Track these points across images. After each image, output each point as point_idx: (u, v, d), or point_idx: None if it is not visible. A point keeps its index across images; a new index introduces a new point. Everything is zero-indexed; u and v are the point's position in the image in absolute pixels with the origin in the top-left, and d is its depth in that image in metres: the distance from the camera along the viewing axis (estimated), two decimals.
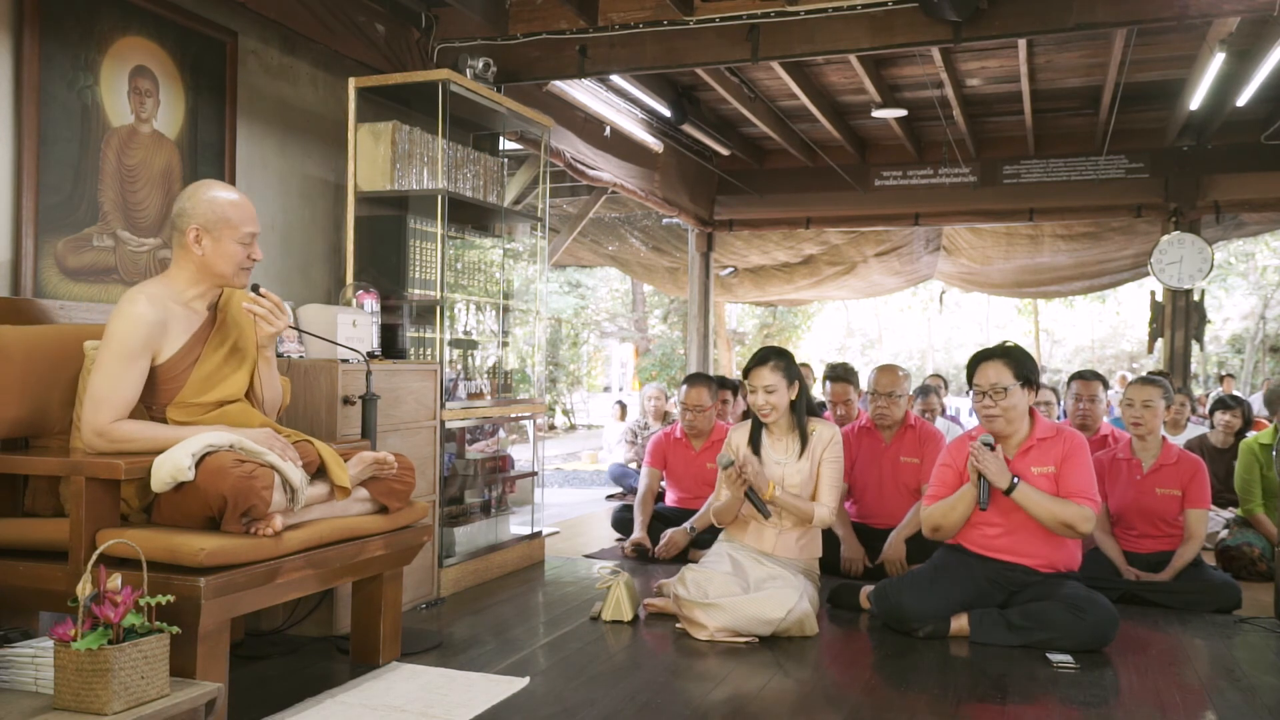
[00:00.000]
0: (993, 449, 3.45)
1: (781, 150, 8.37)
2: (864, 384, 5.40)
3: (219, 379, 2.76)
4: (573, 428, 20.23)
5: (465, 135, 4.82)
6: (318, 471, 2.75)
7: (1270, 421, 5.10)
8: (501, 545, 4.55)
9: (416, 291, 4.15)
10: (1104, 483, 4.10)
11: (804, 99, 6.52)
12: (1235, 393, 7.39)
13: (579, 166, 6.49)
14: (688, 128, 7.03)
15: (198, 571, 2.31)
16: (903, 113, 7.14)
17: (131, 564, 2.23)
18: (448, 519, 4.24)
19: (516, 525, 4.79)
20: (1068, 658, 3.22)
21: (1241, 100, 6.29)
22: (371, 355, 3.63)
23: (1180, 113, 6.92)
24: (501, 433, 5.00)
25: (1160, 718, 2.73)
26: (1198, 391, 13.51)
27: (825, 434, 3.71)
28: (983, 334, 25.75)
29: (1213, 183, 7.75)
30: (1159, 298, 8.03)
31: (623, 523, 5.42)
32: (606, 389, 22.73)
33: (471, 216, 4.63)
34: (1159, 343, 8.04)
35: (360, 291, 3.90)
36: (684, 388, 5.15)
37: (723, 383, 5.67)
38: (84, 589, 2.08)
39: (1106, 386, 4.92)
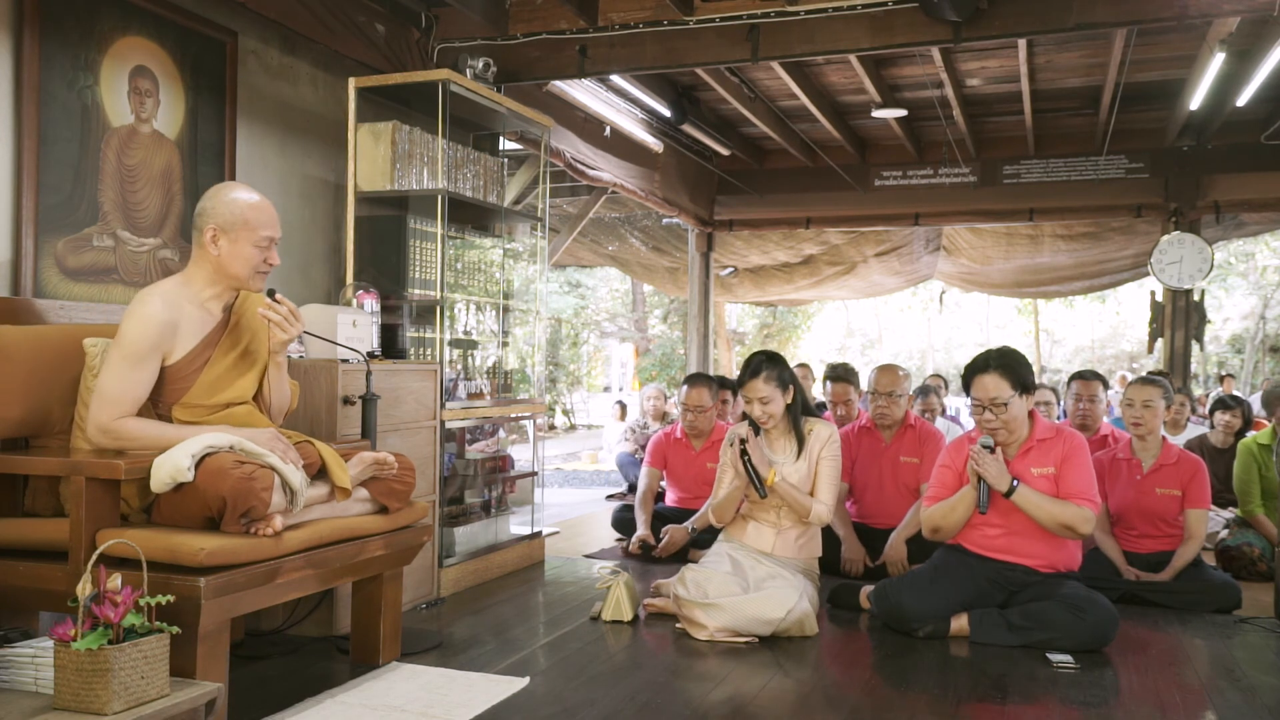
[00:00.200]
0: (992, 451, 3.45)
1: (781, 150, 8.37)
2: (864, 384, 5.40)
3: (227, 382, 2.76)
4: (573, 428, 20.23)
5: (465, 135, 4.82)
6: (319, 472, 2.74)
7: (1269, 422, 5.10)
8: (501, 545, 4.55)
9: (416, 291, 4.15)
10: (1104, 483, 4.10)
11: (804, 99, 6.52)
12: (1235, 393, 7.39)
13: (579, 166, 6.49)
14: (688, 128, 7.03)
15: (198, 571, 2.31)
16: (903, 113, 7.14)
17: (131, 564, 2.23)
18: (448, 519, 4.24)
19: (516, 525, 4.79)
20: (1068, 658, 3.22)
21: (1241, 100, 6.29)
22: (371, 355, 3.63)
23: (1180, 113, 6.93)
24: (501, 433, 5.00)
25: (1160, 718, 2.73)
26: (1198, 391, 13.51)
27: (823, 433, 3.71)
28: (983, 334, 25.76)
29: (1213, 183, 7.75)
30: (1159, 298, 8.03)
31: (623, 523, 5.42)
32: (606, 389, 22.73)
33: (471, 216, 4.63)
34: (1159, 343, 8.04)
35: (360, 291, 3.90)
36: (684, 388, 5.15)
37: (723, 383, 5.67)
38: (84, 589, 2.08)
39: (1106, 386, 4.92)
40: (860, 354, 26.45)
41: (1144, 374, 4.84)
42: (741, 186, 8.78)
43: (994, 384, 3.45)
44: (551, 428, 19.18)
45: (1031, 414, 3.55)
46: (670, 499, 5.28)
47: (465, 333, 4.52)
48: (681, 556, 4.71)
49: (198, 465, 2.41)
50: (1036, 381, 3.68)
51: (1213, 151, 7.66)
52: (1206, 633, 3.64)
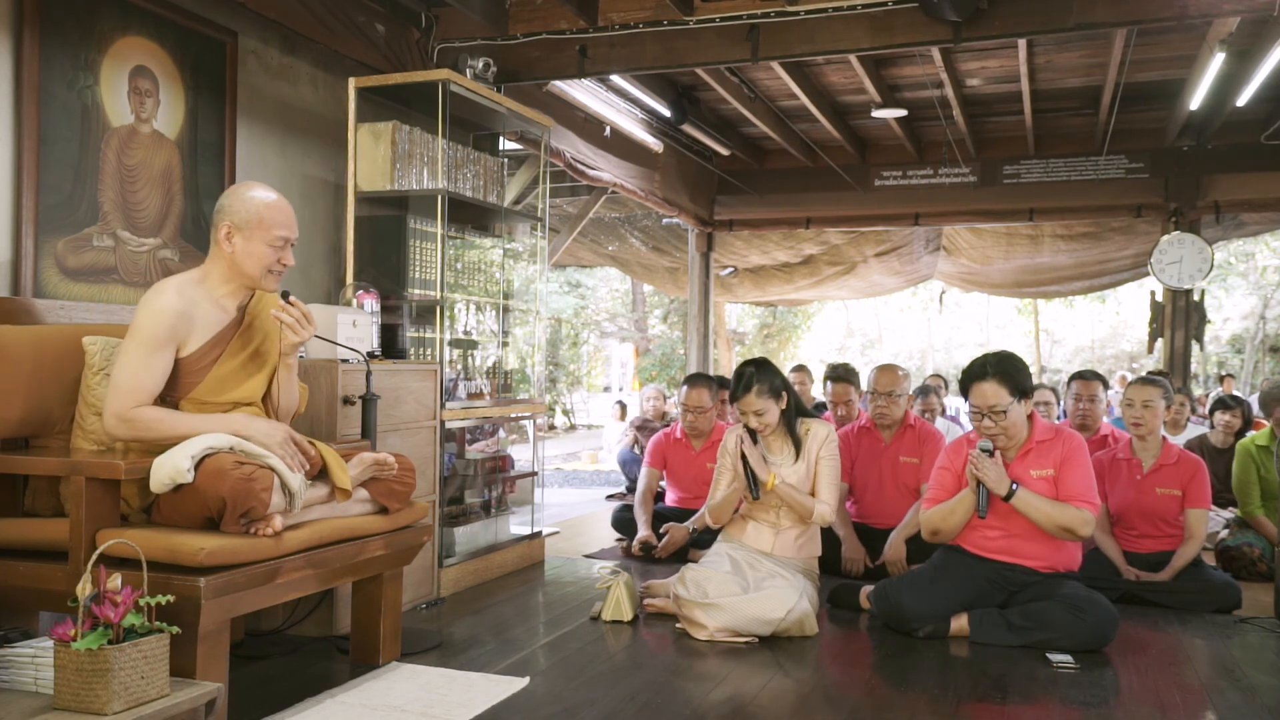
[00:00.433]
0: (991, 454, 3.45)
1: (781, 150, 8.37)
2: (864, 384, 5.40)
3: (237, 381, 2.76)
4: (573, 428, 20.24)
5: (465, 135, 4.82)
6: (319, 472, 2.74)
7: (1267, 422, 5.10)
8: (501, 545, 4.55)
9: (416, 291, 4.15)
10: (1104, 483, 4.10)
11: (804, 99, 6.52)
12: (1235, 393, 7.38)
13: (579, 166, 6.49)
14: (688, 128, 7.03)
15: (198, 571, 2.31)
16: (903, 113, 7.14)
17: (131, 564, 2.23)
18: (448, 519, 4.24)
19: (516, 525, 4.79)
20: (1068, 658, 3.22)
21: (1241, 100, 6.29)
22: (371, 355, 3.63)
23: (1180, 113, 6.92)
24: (501, 433, 5.00)
25: (1160, 718, 2.73)
26: (1198, 391, 13.51)
27: (820, 433, 3.71)
28: (983, 334, 25.77)
29: (1213, 183, 7.75)
30: (1159, 298, 8.03)
31: (623, 523, 5.41)
32: (606, 389, 22.74)
33: (471, 216, 4.63)
34: (1159, 343, 8.04)
35: (360, 291, 3.90)
36: (684, 389, 5.14)
37: (723, 383, 5.66)
38: (84, 589, 2.08)
39: (1106, 386, 4.92)
40: (860, 354, 26.45)
41: (1144, 374, 4.84)
42: (741, 186, 8.78)
43: (992, 391, 3.44)
44: (551, 428, 19.19)
45: (1031, 415, 3.55)
46: (670, 499, 5.28)
47: (465, 333, 4.52)
48: (681, 556, 4.71)
49: (197, 466, 2.41)
50: (1036, 381, 3.67)
51: (1213, 151, 7.66)
52: (1206, 633, 3.64)
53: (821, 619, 3.65)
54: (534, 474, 4.99)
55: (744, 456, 3.59)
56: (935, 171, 8.30)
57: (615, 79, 5.86)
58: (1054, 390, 5.86)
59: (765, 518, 3.69)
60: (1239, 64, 5.89)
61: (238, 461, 2.43)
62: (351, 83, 4.11)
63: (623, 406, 11.22)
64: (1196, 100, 6.22)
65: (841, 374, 5.33)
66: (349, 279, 4.08)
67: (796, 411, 3.74)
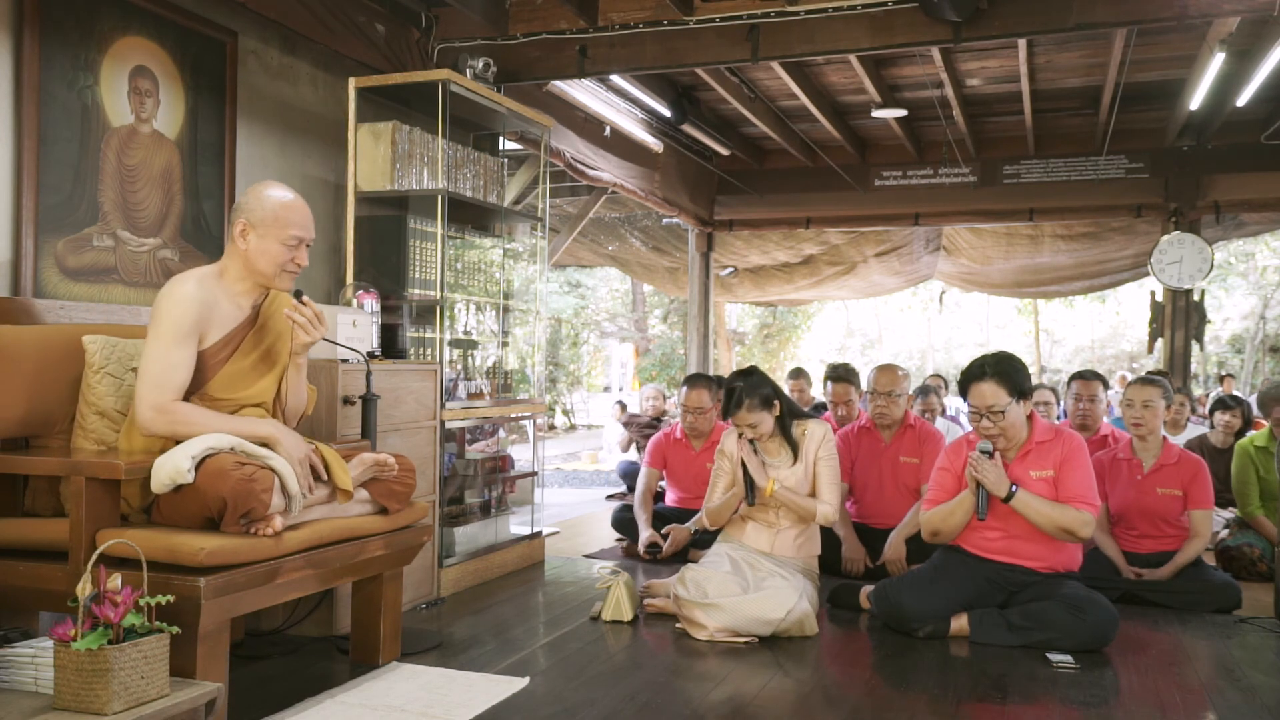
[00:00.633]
0: (991, 456, 3.45)
1: (781, 150, 8.37)
2: (864, 384, 5.40)
3: (248, 381, 2.76)
4: (573, 428, 20.23)
5: (465, 135, 4.82)
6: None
7: (1265, 422, 5.09)
8: (501, 545, 4.55)
9: (416, 291, 4.15)
10: (1104, 483, 4.10)
11: (804, 99, 6.52)
12: (1235, 393, 7.38)
13: (579, 166, 6.49)
14: (688, 128, 7.03)
15: (198, 571, 2.31)
16: (903, 113, 7.14)
17: (131, 564, 2.23)
18: (448, 519, 4.24)
19: (516, 525, 4.79)
20: (1068, 658, 3.22)
21: (1241, 100, 6.29)
22: (371, 355, 3.63)
23: (1180, 113, 6.92)
24: (501, 433, 5.00)
25: (1160, 718, 2.73)
26: (1198, 391, 13.51)
27: (816, 433, 3.71)
28: (983, 334, 25.77)
29: (1213, 183, 7.75)
30: (1159, 298, 8.03)
31: (623, 523, 5.41)
32: (606, 389, 22.74)
33: (471, 216, 4.63)
34: (1159, 343, 8.04)
35: (360, 291, 3.90)
36: (684, 389, 5.14)
37: (722, 383, 5.66)
38: (84, 589, 2.08)
39: (1106, 386, 4.92)
40: (860, 354, 26.45)
41: (1144, 374, 4.83)
42: (741, 186, 8.78)
43: (991, 392, 3.44)
44: (551, 428, 19.18)
45: (1030, 416, 3.55)
46: (670, 499, 5.28)
47: (465, 333, 4.52)
48: (681, 556, 4.71)
49: (198, 466, 2.41)
50: (1036, 381, 3.67)
51: (1213, 151, 7.66)
52: (1206, 633, 3.64)
53: (821, 619, 3.65)
54: (534, 474, 4.99)
55: (743, 464, 3.60)
56: (935, 171, 8.30)
57: (615, 79, 5.86)
58: (1054, 390, 5.86)
59: (764, 518, 3.69)
60: (1239, 64, 5.89)
61: (239, 462, 2.43)
62: (351, 83, 4.11)
63: (623, 406, 11.20)
64: (1196, 100, 6.22)
65: (841, 374, 5.33)
66: (349, 279, 4.08)
67: (790, 414, 3.74)
